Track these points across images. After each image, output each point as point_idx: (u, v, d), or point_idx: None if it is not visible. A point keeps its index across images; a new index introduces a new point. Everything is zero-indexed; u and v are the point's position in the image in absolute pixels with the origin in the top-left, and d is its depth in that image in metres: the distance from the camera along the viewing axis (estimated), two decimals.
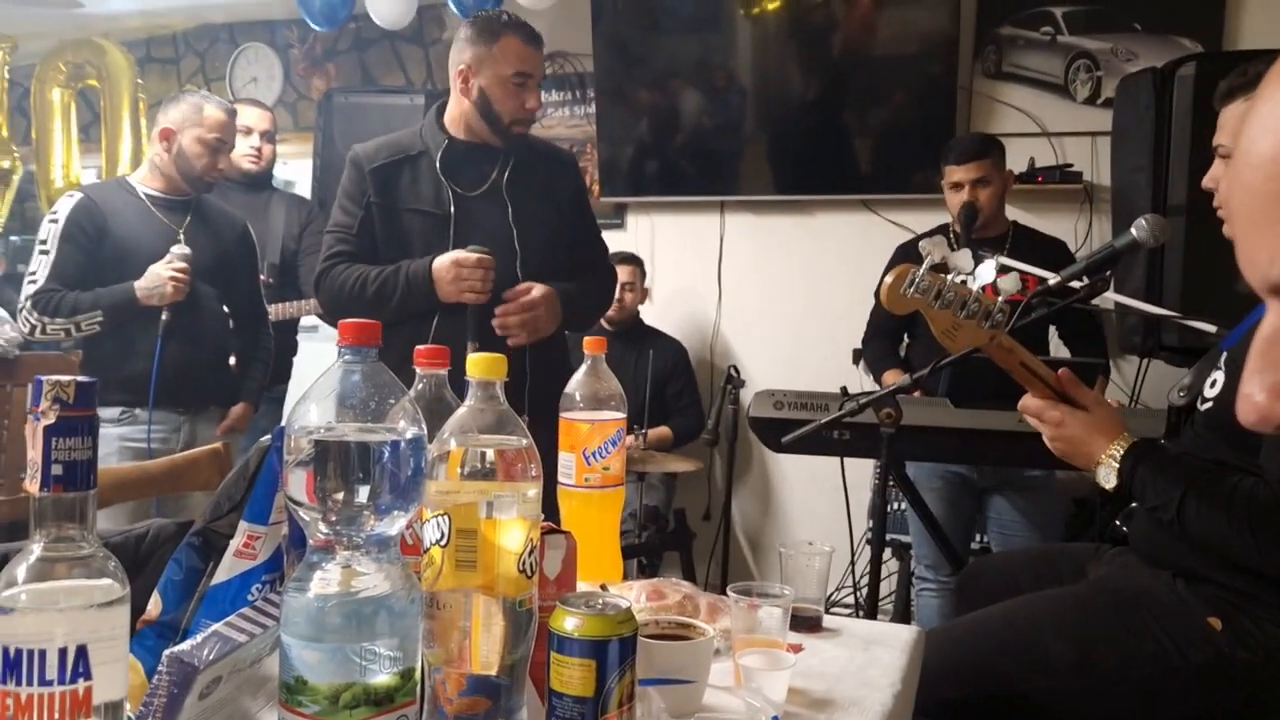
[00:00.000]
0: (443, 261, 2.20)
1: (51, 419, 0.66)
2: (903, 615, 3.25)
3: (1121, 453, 1.51)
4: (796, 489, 4.13)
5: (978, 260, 1.52)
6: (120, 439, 2.72)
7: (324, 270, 2.29)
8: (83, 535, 0.69)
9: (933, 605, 2.92)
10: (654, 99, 4.13)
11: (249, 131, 3.44)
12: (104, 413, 2.72)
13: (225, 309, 2.96)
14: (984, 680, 1.54)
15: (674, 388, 3.92)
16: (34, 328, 2.70)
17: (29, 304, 2.69)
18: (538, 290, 2.25)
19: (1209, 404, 1.52)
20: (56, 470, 0.67)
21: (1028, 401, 1.59)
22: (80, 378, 0.67)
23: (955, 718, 1.55)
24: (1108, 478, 1.52)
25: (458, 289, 2.19)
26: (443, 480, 0.87)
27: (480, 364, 0.91)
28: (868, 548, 2.32)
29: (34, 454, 0.67)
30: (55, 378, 0.67)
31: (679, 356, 3.99)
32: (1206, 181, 1.63)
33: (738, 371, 3.74)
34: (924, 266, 1.47)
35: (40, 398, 0.66)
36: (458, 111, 2.33)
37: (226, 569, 0.92)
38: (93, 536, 0.69)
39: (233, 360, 3.01)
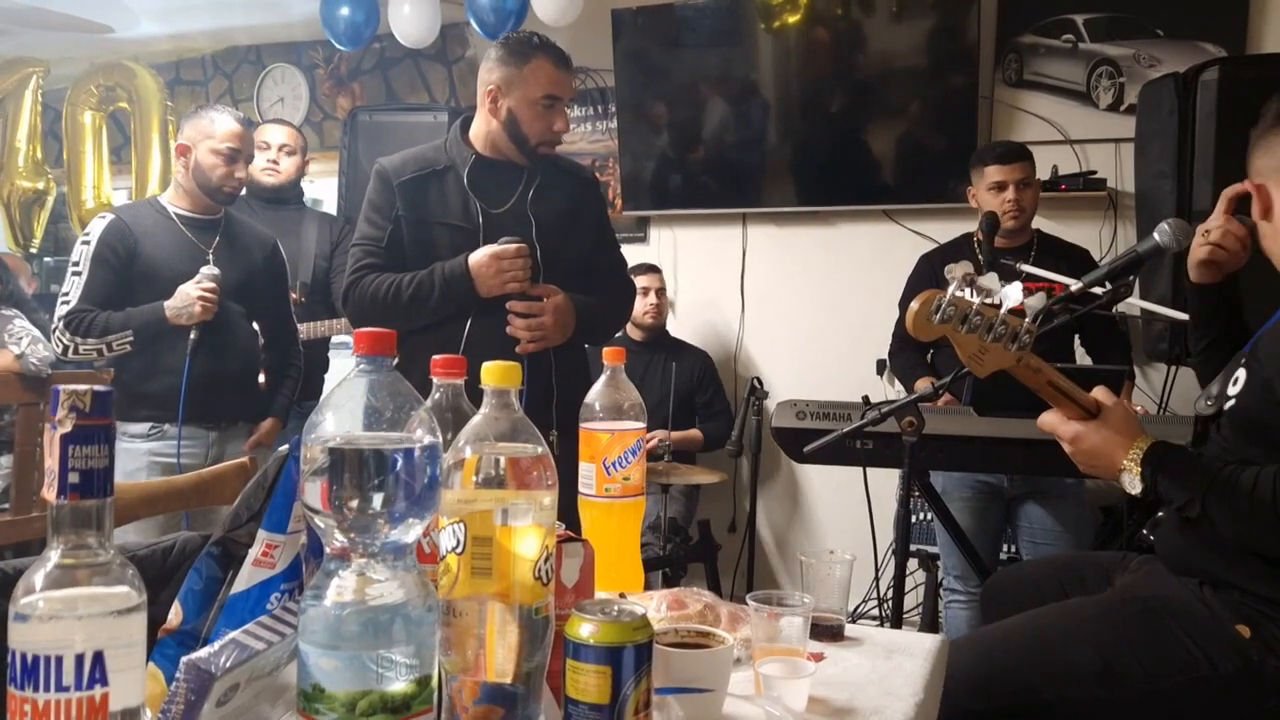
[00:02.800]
0: (480, 257, 2.22)
1: (68, 427, 0.67)
2: (930, 627, 3.22)
3: (1141, 456, 1.49)
4: (822, 500, 4.11)
5: (1005, 280, 1.51)
6: (150, 454, 2.75)
7: (353, 282, 2.30)
8: (100, 543, 0.69)
9: (961, 616, 2.89)
10: (675, 113, 4.15)
11: (267, 146, 3.48)
12: (133, 428, 2.76)
13: (255, 326, 2.99)
14: (1009, 691, 1.52)
15: (703, 396, 3.92)
16: (66, 348, 2.74)
17: (61, 324, 2.73)
18: (549, 301, 2.26)
19: (1232, 402, 1.51)
20: (74, 478, 0.68)
21: (1044, 418, 1.58)
22: (97, 387, 0.68)
23: None
24: (1132, 484, 1.50)
25: (501, 281, 2.21)
26: (458, 488, 0.88)
27: (495, 372, 0.91)
28: (894, 560, 2.30)
29: (51, 462, 0.68)
30: (72, 387, 0.68)
31: (706, 366, 3.99)
32: None
33: (761, 383, 3.74)
34: (949, 291, 1.45)
35: (57, 406, 0.67)
36: (484, 129, 2.34)
37: (245, 578, 0.92)
38: (110, 544, 0.70)
39: (262, 377, 3.04)
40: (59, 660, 0.67)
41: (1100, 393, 1.57)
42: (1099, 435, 1.53)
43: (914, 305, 1.45)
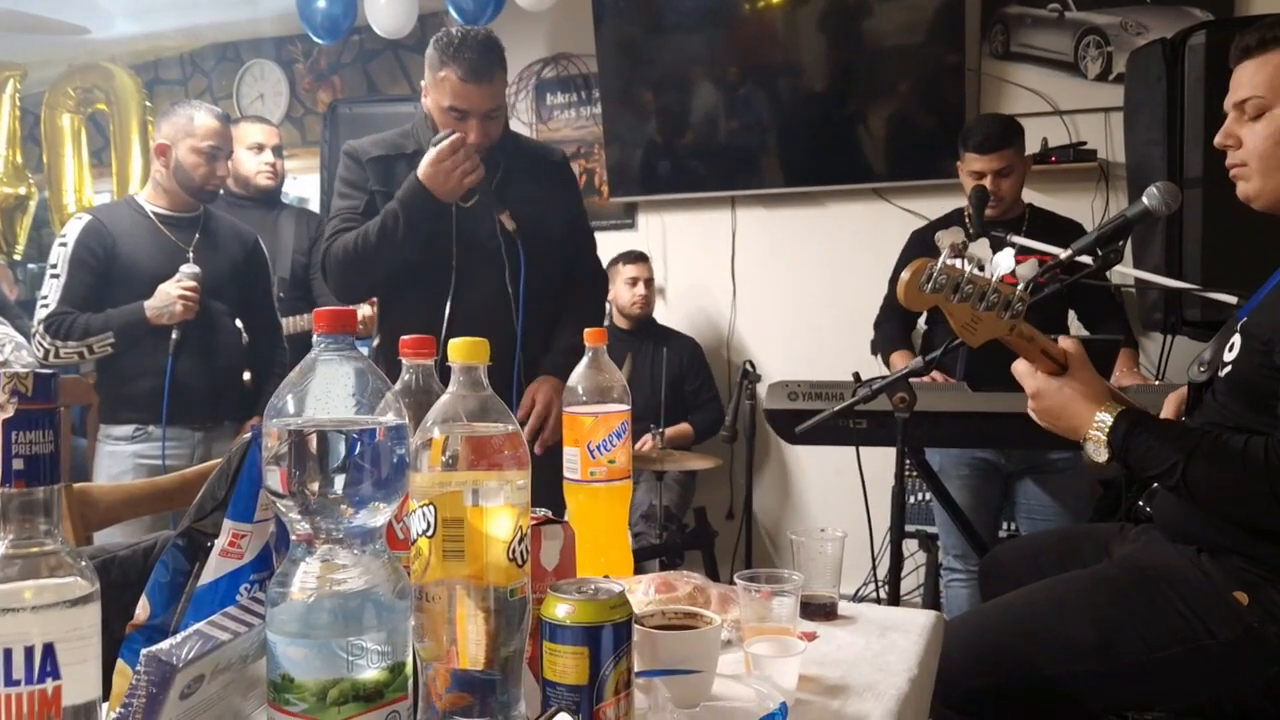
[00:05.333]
0: (426, 168, 2.18)
1: (10, 412, 0.65)
2: (932, 607, 3.19)
3: (1110, 422, 1.45)
4: (820, 484, 4.08)
5: (996, 248, 1.48)
6: (135, 456, 2.72)
7: (327, 248, 2.29)
8: (49, 532, 0.67)
9: (962, 595, 2.87)
10: (660, 97, 4.12)
11: (261, 148, 3.45)
12: (117, 430, 2.74)
13: (238, 324, 2.95)
14: (1007, 667, 1.50)
15: (692, 384, 3.89)
16: (47, 352, 2.70)
17: (41, 328, 2.69)
18: (540, 402, 2.26)
19: (1228, 368, 1.48)
20: (18, 465, 0.65)
21: (1016, 365, 1.55)
22: (39, 369, 0.66)
23: (980, 707, 1.51)
24: (1097, 451, 1.47)
25: (458, 179, 2.18)
26: (426, 469, 0.85)
27: (463, 348, 0.88)
28: (890, 538, 2.28)
29: None
30: (13, 370, 0.65)
31: (694, 353, 3.97)
32: (1221, 139, 1.56)
33: (754, 366, 3.70)
34: (940, 260, 1.42)
35: None
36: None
37: (213, 569, 0.90)
38: (59, 533, 0.67)
39: (246, 375, 3.01)
40: (8, 653, 0.65)
41: (1068, 344, 1.53)
42: (1060, 396, 1.50)
43: (904, 275, 1.42)
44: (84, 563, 0.69)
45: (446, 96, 2.21)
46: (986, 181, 2.83)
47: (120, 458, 2.71)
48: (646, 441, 3.51)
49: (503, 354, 2.25)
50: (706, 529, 3.68)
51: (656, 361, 3.72)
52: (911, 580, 3.65)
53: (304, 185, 4.59)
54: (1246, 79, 1.52)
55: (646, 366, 3.75)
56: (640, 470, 3.32)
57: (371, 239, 2.21)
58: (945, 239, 1.45)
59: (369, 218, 2.27)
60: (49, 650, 0.65)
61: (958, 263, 1.43)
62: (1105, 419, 1.46)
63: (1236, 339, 1.47)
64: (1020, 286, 1.45)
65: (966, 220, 2.97)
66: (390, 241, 2.20)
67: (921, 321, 3.17)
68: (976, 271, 1.43)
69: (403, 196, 2.20)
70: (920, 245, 3.01)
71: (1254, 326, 1.45)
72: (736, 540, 3.81)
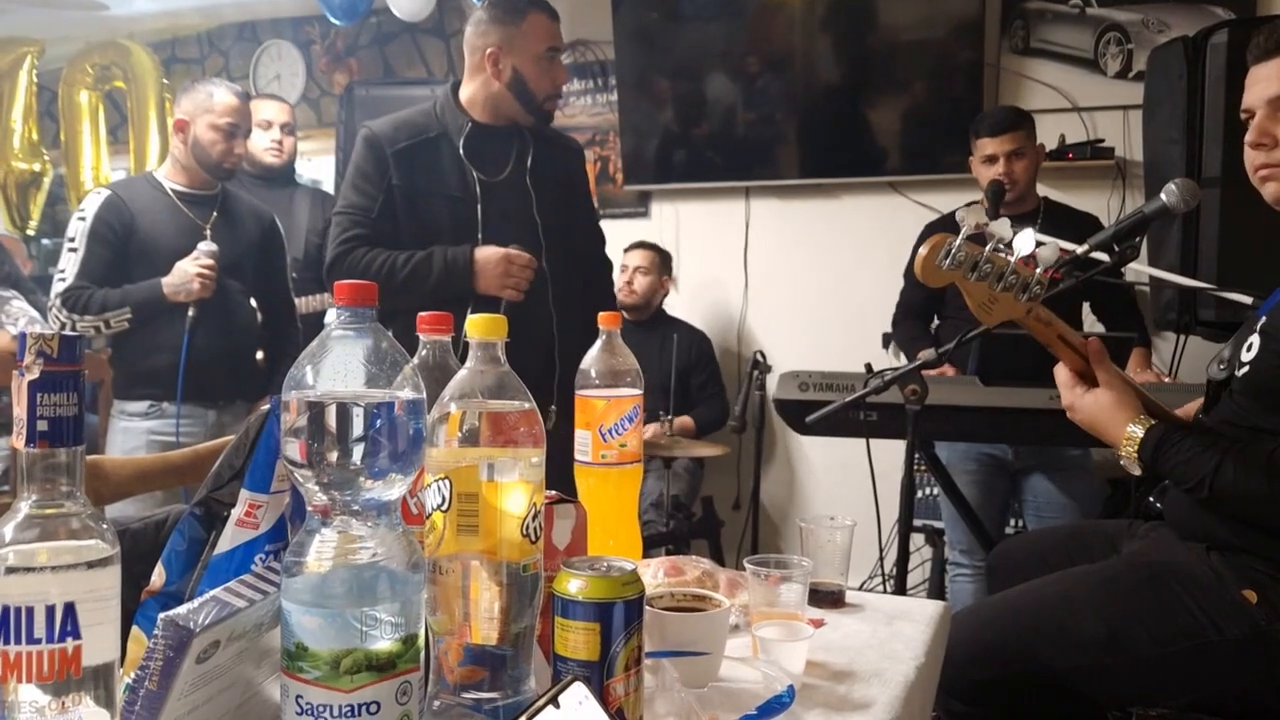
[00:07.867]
0: (490, 254, 2.18)
1: (36, 374, 0.65)
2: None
3: (1140, 438, 1.45)
4: (827, 477, 4.08)
5: (1015, 229, 1.46)
6: (148, 432, 2.74)
7: (342, 253, 2.23)
8: (71, 493, 0.68)
9: (967, 590, 2.87)
10: (677, 85, 4.10)
11: (269, 125, 3.45)
12: (131, 406, 2.75)
13: (253, 303, 2.96)
14: (1014, 660, 1.50)
15: (698, 379, 3.88)
16: (63, 325, 2.71)
17: (58, 302, 2.70)
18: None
19: (1245, 368, 1.47)
20: (42, 426, 0.66)
21: (1057, 370, 1.56)
22: (66, 332, 0.66)
23: (985, 699, 1.52)
24: (1131, 465, 1.48)
25: (501, 284, 2.18)
26: (442, 444, 0.85)
27: (480, 324, 0.89)
28: (898, 531, 2.27)
29: (19, 410, 0.66)
30: (39, 332, 0.66)
31: (703, 346, 3.96)
32: (1255, 137, 1.52)
33: (764, 357, 3.70)
34: (961, 236, 1.41)
35: (24, 352, 0.65)
36: (484, 94, 2.30)
37: (229, 539, 0.90)
38: (81, 494, 0.68)
39: (260, 355, 3.02)
40: (30, 612, 0.65)
41: (1091, 347, 1.52)
42: (1093, 410, 1.50)
43: (923, 250, 1.41)
44: (104, 525, 0.69)
45: (543, 39, 2.27)
46: (999, 165, 2.84)
47: (134, 434, 2.73)
48: (651, 429, 3.52)
49: (539, 333, 2.25)
50: (713, 518, 3.69)
51: (665, 351, 3.72)
52: (917, 575, 3.65)
53: (319, 167, 4.60)
54: (1277, 75, 1.49)
55: (654, 357, 3.75)
56: (649, 458, 3.33)
57: (397, 279, 2.18)
58: (969, 217, 1.43)
59: (383, 219, 2.24)
60: (70, 610, 0.66)
61: (991, 248, 1.41)
62: (1136, 432, 1.46)
63: (1255, 339, 1.46)
64: (1039, 269, 1.44)
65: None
66: (413, 291, 2.17)
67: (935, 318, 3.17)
68: (995, 251, 1.42)
69: (449, 261, 2.18)
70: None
71: (1272, 328, 1.44)
72: (743, 530, 3.82)
